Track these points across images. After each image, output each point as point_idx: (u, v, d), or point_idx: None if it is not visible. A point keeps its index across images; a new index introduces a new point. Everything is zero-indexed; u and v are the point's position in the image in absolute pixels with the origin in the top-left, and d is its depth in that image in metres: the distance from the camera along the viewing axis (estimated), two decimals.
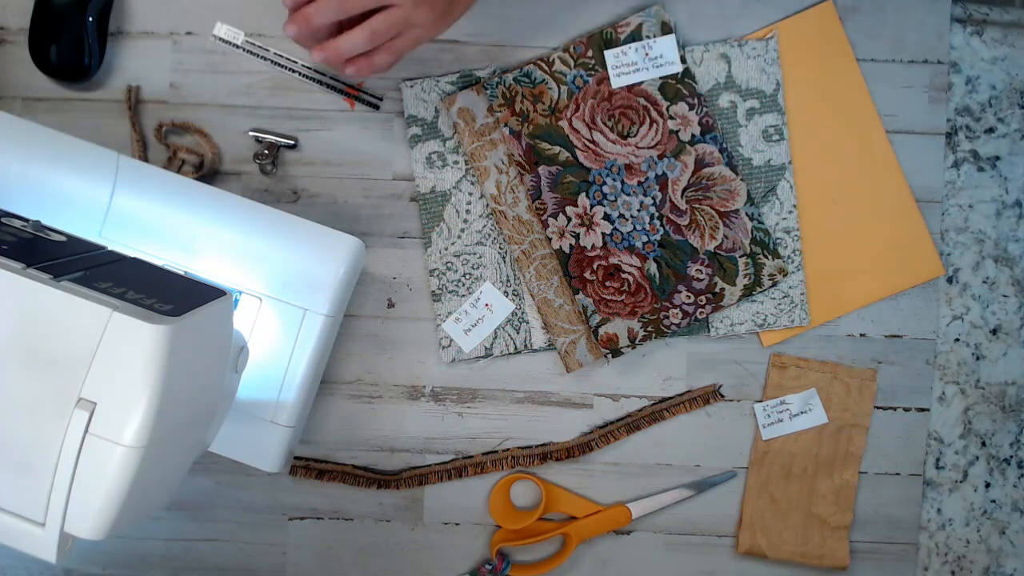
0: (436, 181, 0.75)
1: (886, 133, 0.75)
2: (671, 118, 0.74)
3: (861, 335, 0.77)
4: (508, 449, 0.76)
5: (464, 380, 0.76)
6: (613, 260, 0.74)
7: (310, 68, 0.74)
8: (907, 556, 0.78)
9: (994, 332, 0.78)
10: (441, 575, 0.78)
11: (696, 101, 0.74)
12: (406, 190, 0.76)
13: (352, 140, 0.75)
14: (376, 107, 0.74)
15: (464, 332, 0.75)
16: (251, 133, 0.74)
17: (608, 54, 0.73)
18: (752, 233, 0.74)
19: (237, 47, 0.73)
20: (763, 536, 0.77)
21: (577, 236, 0.74)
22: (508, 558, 0.77)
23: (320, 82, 0.73)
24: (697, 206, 0.74)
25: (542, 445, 0.77)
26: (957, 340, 0.78)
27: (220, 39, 0.73)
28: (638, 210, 0.74)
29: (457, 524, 0.77)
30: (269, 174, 0.75)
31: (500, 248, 0.75)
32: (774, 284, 0.74)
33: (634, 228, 0.74)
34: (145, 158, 0.75)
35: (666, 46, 0.74)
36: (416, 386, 0.76)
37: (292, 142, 0.74)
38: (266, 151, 0.73)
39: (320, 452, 0.76)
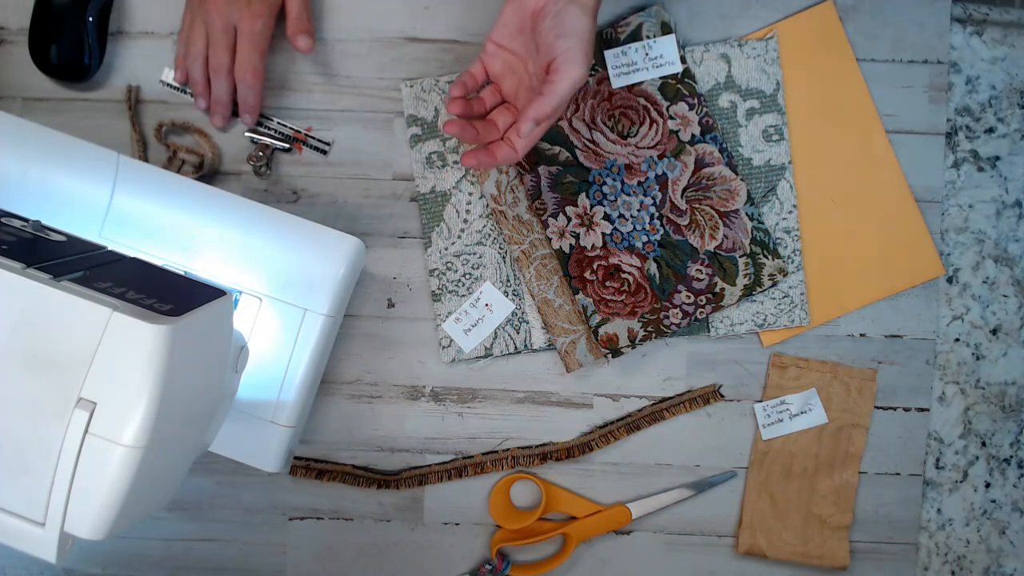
0: (436, 181, 0.75)
1: (886, 133, 0.75)
2: (671, 118, 0.74)
3: (861, 335, 0.77)
4: (508, 449, 0.76)
5: (464, 380, 0.76)
6: (613, 260, 0.74)
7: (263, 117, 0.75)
8: (907, 556, 0.78)
9: (994, 332, 0.78)
10: (441, 575, 0.78)
11: (696, 101, 0.74)
12: (406, 190, 0.76)
13: (352, 140, 0.75)
14: (324, 152, 0.74)
15: (464, 332, 0.75)
16: (246, 135, 0.74)
17: (608, 54, 0.73)
18: (752, 233, 0.74)
19: (184, 91, 0.74)
20: (763, 536, 0.77)
21: (577, 236, 0.74)
22: (508, 558, 0.77)
23: (261, 134, 0.74)
24: (697, 206, 0.74)
25: (542, 445, 0.77)
26: (957, 340, 0.78)
27: (167, 84, 0.74)
28: (638, 210, 0.74)
29: (457, 524, 0.77)
30: (263, 176, 0.74)
31: (500, 248, 0.75)
32: (774, 284, 0.74)
33: (634, 228, 0.74)
34: (145, 158, 0.75)
35: (666, 46, 0.73)
36: (416, 386, 0.76)
37: (287, 145, 0.74)
38: (260, 153, 0.73)
39: (320, 452, 0.76)
